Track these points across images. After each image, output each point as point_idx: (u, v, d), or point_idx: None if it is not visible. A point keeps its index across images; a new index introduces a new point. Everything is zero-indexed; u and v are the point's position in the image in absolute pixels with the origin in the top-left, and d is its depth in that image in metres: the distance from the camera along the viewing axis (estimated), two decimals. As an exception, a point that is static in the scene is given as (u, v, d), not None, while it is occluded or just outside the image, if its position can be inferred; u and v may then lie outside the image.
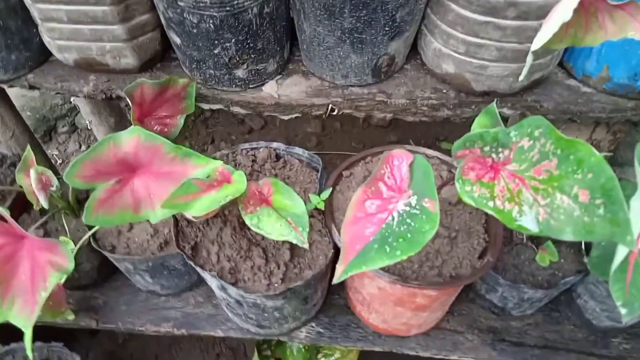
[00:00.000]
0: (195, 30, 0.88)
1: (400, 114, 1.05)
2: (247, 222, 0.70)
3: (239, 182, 0.68)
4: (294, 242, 0.69)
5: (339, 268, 0.59)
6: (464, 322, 1.01)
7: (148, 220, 0.97)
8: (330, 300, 1.04)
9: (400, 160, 0.67)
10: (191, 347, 1.54)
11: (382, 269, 0.79)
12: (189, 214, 0.68)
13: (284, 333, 0.97)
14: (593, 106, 0.99)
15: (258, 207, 0.72)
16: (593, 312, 0.94)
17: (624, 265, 0.48)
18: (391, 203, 0.65)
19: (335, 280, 0.59)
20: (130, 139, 0.69)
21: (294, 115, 1.07)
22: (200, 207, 0.68)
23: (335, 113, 1.04)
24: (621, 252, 0.47)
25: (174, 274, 0.97)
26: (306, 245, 0.69)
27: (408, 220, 0.61)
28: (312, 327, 1.00)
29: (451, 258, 0.83)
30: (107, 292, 1.07)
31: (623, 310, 0.49)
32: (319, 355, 1.14)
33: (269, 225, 0.70)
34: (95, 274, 1.05)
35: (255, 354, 1.14)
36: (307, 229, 0.70)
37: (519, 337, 0.99)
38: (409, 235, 0.59)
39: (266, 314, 0.86)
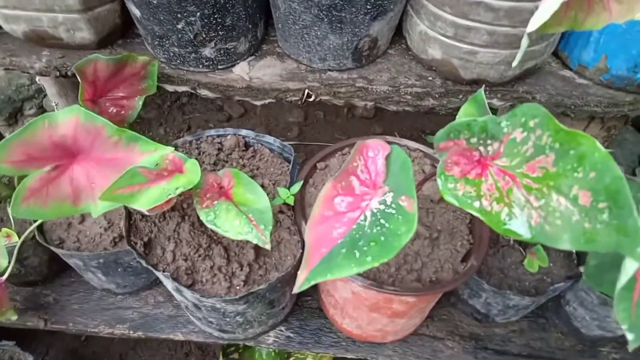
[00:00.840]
0: (155, 2, 0.79)
1: (382, 102, 0.97)
2: (203, 218, 0.62)
3: (192, 172, 0.60)
4: (255, 241, 0.61)
5: (301, 275, 0.51)
6: (445, 328, 0.94)
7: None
8: (302, 303, 0.97)
9: (375, 151, 0.59)
10: (158, 345, 1.46)
11: (368, 268, 0.71)
12: (136, 207, 0.59)
13: (250, 338, 0.90)
14: (588, 99, 0.92)
15: (216, 201, 0.64)
16: (582, 321, 0.87)
17: (631, 282, 0.41)
18: (364, 200, 0.57)
19: (295, 290, 0.51)
20: (68, 120, 0.60)
21: (267, 101, 0.98)
22: (147, 200, 0.59)
23: (312, 99, 0.96)
24: (629, 267, 0.40)
25: (130, 272, 0.88)
26: (268, 246, 0.61)
27: (382, 221, 0.53)
28: (281, 331, 0.92)
29: (432, 261, 0.75)
30: (58, 289, 0.98)
31: (630, 336, 0.42)
32: (291, 359, 1.06)
33: (227, 222, 0.61)
34: (45, 269, 0.96)
35: (221, 358, 1.06)
36: (270, 227, 0.62)
37: (502, 344, 0.93)
38: (382, 238, 0.51)
39: (227, 319, 0.78)
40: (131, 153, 0.60)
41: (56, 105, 1.60)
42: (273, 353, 1.05)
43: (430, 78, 0.94)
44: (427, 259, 0.75)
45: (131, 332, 0.92)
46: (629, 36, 0.81)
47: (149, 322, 0.93)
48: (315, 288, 0.98)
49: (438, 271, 0.74)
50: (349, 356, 0.91)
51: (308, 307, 0.96)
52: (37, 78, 1.77)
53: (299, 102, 0.97)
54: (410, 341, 0.92)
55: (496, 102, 0.94)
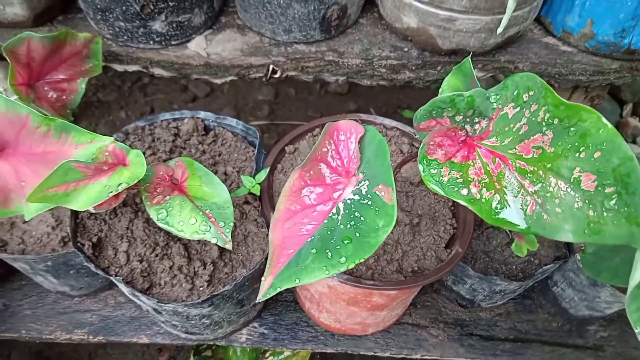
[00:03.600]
0: (92, -31, 0.69)
1: (354, 76, 0.89)
2: (153, 216, 0.54)
3: (136, 165, 0.52)
4: (214, 241, 0.54)
5: (265, 282, 0.45)
6: (428, 316, 0.89)
7: (51, 209, 0.80)
8: (276, 296, 0.90)
9: (347, 134, 0.51)
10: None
11: (349, 268, 0.64)
12: (74, 208, 0.51)
13: (220, 337, 0.83)
14: (573, 67, 0.86)
15: (168, 196, 0.56)
16: (570, 301, 0.83)
17: None
18: (336, 191, 0.50)
19: (259, 299, 0.44)
20: (-13, 109, 0.51)
21: (228, 79, 0.89)
22: (86, 199, 0.51)
23: (277, 76, 0.88)
24: (645, 262, 0.34)
25: (84, 273, 0.80)
26: (229, 246, 0.54)
27: (357, 214, 0.46)
28: (254, 327, 0.86)
29: (413, 249, 0.69)
30: (7, 293, 0.89)
31: (643, 339, 0.37)
32: (267, 354, 1.00)
33: (181, 221, 0.54)
34: (-9, 273, 0.87)
35: (192, 357, 0.99)
36: (232, 224, 0.55)
37: (488, 329, 0.88)
38: (357, 234, 0.45)
39: (192, 322, 0.71)
40: (64, 145, 0.52)
41: (4, 91, 1.47)
42: (248, 348, 0.98)
43: (405, 49, 0.86)
44: (408, 247, 0.69)
45: (91, 337, 0.85)
46: (616, -2, 0.75)
47: (110, 325, 0.85)
48: (289, 280, 0.92)
49: (420, 259, 0.69)
50: (328, 351, 0.85)
51: (283, 300, 0.90)
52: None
53: (264, 79, 0.89)
54: (392, 331, 0.87)
55: (477, 73, 0.88)
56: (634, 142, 1.64)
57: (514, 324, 0.89)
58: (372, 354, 0.85)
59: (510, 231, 0.79)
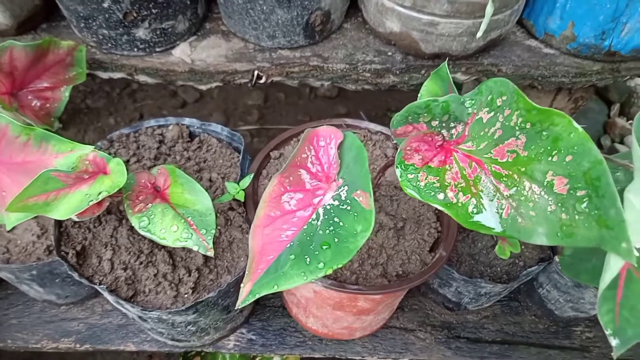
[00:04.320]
0: (73, -23, 0.69)
1: (339, 81, 0.90)
2: (135, 224, 0.54)
3: (117, 174, 0.52)
4: (195, 249, 0.54)
5: (244, 288, 0.45)
6: (416, 319, 0.89)
7: (36, 217, 0.80)
8: (264, 302, 0.90)
9: (327, 140, 0.52)
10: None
11: (327, 274, 0.65)
12: (54, 217, 0.51)
13: (208, 344, 0.83)
14: (556, 69, 0.87)
15: (150, 204, 0.56)
16: (556, 303, 0.84)
17: (613, 280, 0.35)
18: (316, 196, 0.50)
19: (238, 305, 0.44)
20: (-34, 119, 0.51)
21: (213, 85, 0.90)
22: (67, 208, 0.51)
23: (262, 81, 0.88)
24: (614, 265, 0.34)
25: (69, 282, 0.80)
26: (210, 253, 0.54)
27: (336, 219, 0.47)
28: (242, 334, 0.86)
29: (397, 253, 0.69)
30: (-7, 303, 0.89)
31: (614, 342, 0.37)
32: (257, 359, 1.00)
33: (163, 228, 0.54)
34: (-25, 283, 0.87)
35: (180, 364, 0.99)
36: (213, 232, 0.55)
37: (475, 332, 0.89)
38: (335, 239, 0.45)
39: (178, 329, 0.71)
40: (44, 155, 0.52)
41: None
42: (237, 355, 0.98)
43: (389, 53, 0.87)
44: (393, 251, 0.70)
45: (77, 345, 0.84)
46: (595, 1, 0.76)
47: (97, 333, 0.85)
48: (277, 285, 0.92)
49: (405, 263, 0.69)
50: (316, 355, 0.85)
51: (271, 305, 0.90)
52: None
53: (249, 85, 0.89)
54: (380, 335, 0.87)
55: (460, 77, 0.89)
56: (621, 142, 1.66)
57: (501, 326, 0.90)
58: (360, 358, 0.85)
59: (494, 233, 0.79)
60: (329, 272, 0.43)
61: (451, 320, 0.90)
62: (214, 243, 0.57)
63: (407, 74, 0.88)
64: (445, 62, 0.55)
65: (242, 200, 0.68)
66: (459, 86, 0.81)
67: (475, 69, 0.87)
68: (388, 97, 1.85)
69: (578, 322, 0.91)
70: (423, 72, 0.87)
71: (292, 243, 0.46)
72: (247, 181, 0.68)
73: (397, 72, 0.87)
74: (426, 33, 0.79)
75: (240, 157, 0.75)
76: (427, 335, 0.88)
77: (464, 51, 0.83)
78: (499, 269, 0.79)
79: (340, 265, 0.43)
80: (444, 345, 0.87)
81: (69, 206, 0.51)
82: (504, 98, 0.41)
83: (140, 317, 0.68)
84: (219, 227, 0.69)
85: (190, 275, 0.66)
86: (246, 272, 0.45)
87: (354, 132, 0.83)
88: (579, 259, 0.52)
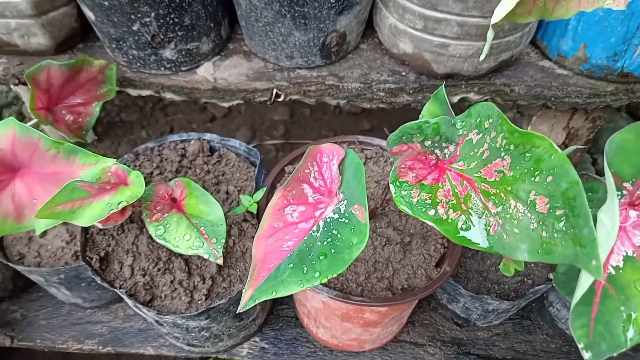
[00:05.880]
0: (107, 3, 0.75)
1: (354, 99, 0.93)
2: (152, 233, 0.59)
3: (136, 185, 0.56)
4: (206, 256, 0.58)
5: (246, 294, 0.48)
6: (426, 334, 0.91)
7: (66, 224, 0.86)
8: (278, 312, 0.93)
9: (330, 156, 0.55)
10: (142, 355, 1.42)
11: (315, 285, 0.67)
12: (79, 224, 0.55)
13: (222, 351, 0.86)
14: (569, 90, 0.88)
15: (166, 213, 0.60)
16: (567, 322, 0.83)
17: (589, 295, 0.37)
18: (318, 209, 0.53)
19: (240, 309, 0.47)
20: (5, 133, 0.56)
21: (235, 102, 0.94)
22: (90, 216, 0.56)
23: (281, 99, 0.92)
24: (585, 281, 0.36)
25: (94, 286, 0.85)
26: (220, 261, 0.58)
27: (334, 232, 0.50)
28: (255, 342, 0.89)
29: (404, 267, 0.71)
30: (25, 304, 0.95)
31: (586, 355, 0.39)
32: (271, 368, 1.03)
33: (177, 237, 0.58)
34: (10, 284, 0.93)
35: (197, 369, 1.03)
36: (223, 241, 0.59)
37: (485, 349, 0.89)
38: (332, 250, 0.48)
39: (192, 334, 0.75)
40: (71, 166, 0.57)
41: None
42: (252, 362, 1.01)
43: (403, 73, 0.90)
44: (399, 265, 0.72)
45: (100, 347, 0.89)
46: (606, 23, 0.77)
47: (119, 336, 0.90)
48: (290, 297, 0.95)
49: (410, 278, 0.71)
50: (327, 366, 0.88)
51: (284, 316, 0.93)
52: (11, 85, 1.74)
53: (268, 103, 0.94)
54: (390, 348, 0.89)
55: (473, 97, 0.91)
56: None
57: (512, 344, 0.90)
58: (369, 370, 0.87)
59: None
60: (324, 280, 0.46)
61: (462, 336, 0.90)
62: (224, 252, 0.61)
63: (421, 94, 0.90)
64: (443, 85, 0.58)
65: (255, 212, 0.72)
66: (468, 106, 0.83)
67: (488, 89, 0.89)
68: (413, 114, 1.86)
69: (592, 344, 0.90)
70: (432, 95, 0.89)
71: (292, 253, 0.49)
72: (260, 194, 0.72)
73: (411, 91, 0.90)
74: (438, 54, 0.82)
75: (256, 171, 0.79)
76: (437, 350, 0.89)
77: (476, 72, 0.85)
78: (506, 287, 0.79)
79: (335, 275, 0.46)
80: (453, 360, 0.87)
81: (92, 214, 0.56)
82: (491, 121, 0.44)
83: (157, 322, 0.72)
84: (232, 238, 0.72)
85: (204, 282, 0.70)
86: (248, 279, 0.48)
87: (366, 149, 0.87)
88: (572, 276, 0.52)
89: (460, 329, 0.90)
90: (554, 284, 0.56)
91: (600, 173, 1.03)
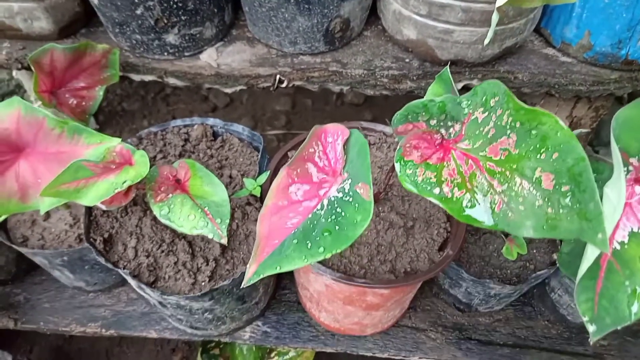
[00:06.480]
0: (110, -14, 0.75)
1: (357, 86, 0.93)
2: (156, 213, 0.59)
3: (140, 165, 0.56)
4: (210, 236, 0.58)
5: (250, 269, 0.48)
6: (427, 319, 0.91)
7: (69, 207, 0.86)
8: (280, 296, 0.94)
9: (335, 136, 0.55)
10: (144, 340, 1.44)
11: (325, 264, 0.68)
12: (83, 203, 0.56)
13: (224, 334, 0.87)
14: (573, 78, 0.88)
15: (171, 194, 0.60)
16: (568, 308, 0.84)
17: (594, 270, 0.37)
18: (322, 188, 0.53)
19: (244, 284, 0.48)
20: (9, 113, 0.57)
21: (237, 88, 0.94)
22: (95, 195, 0.56)
23: (284, 85, 0.92)
24: (590, 254, 0.36)
25: (98, 269, 0.85)
26: (224, 241, 0.58)
27: (338, 210, 0.50)
28: (258, 326, 0.89)
29: (406, 251, 0.72)
30: (28, 287, 0.95)
31: (591, 328, 0.39)
32: (272, 354, 1.03)
33: (181, 217, 0.58)
34: (13, 267, 0.93)
35: (199, 355, 1.03)
36: (227, 221, 0.59)
37: (486, 334, 0.90)
38: (336, 227, 0.48)
39: (196, 316, 0.75)
40: (76, 146, 0.57)
41: (34, 100, 1.56)
42: (254, 348, 1.02)
43: (407, 60, 0.90)
44: (402, 248, 0.72)
45: (103, 330, 0.90)
46: (611, 10, 0.77)
47: (122, 319, 0.90)
48: (292, 281, 0.95)
49: (413, 261, 0.71)
50: (329, 350, 0.88)
51: (286, 300, 0.93)
52: (14, 72, 1.74)
53: (271, 89, 0.94)
54: (391, 333, 0.89)
55: (476, 83, 0.91)
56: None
57: (513, 330, 0.91)
58: (371, 354, 0.88)
59: (505, 236, 0.80)
60: (328, 255, 0.46)
61: (463, 321, 0.91)
62: (229, 233, 0.61)
63: (424, 80, 0.90)
64: (447, 66, 0.58)
65: (259, 195, 0.72)
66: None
67: (492, 76, 0.89)
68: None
69: (592, 330, 0.91)
70: (436, 76, 0.89)
71: (296, 230, 0.50)
72: (263, 178, 0.72)
73: (414, 78, 0.90)
74: (442, 40, 0.82)
75: (260, 156, 0.79)
76: (438, 335, 0.89)
77: (480, 58, 0.85)
78: (509, 272, 0.80)
79: (339, 251, 0.46)
80: (455, 345, 0.88)
81: (96, 193, 0.56)
82: (497, 99, 0.44)
83: (160, 303, 0.73)
84: (236, 221, 0.73)
85: (207, 264, 0.70)
86: (252, 255, 0.49)
87: (370, 135, 0.87)
88: (576, 256, 0.53)
89: (461, 314, 0.91)
90: (558, 264, 0.56)
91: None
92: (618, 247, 0.39)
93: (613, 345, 0.89)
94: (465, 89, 0.92)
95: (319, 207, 0.51)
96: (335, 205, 0.50)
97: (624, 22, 0.78)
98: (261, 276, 0.47)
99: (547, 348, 0.89)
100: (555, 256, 0.70)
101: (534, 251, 0.82)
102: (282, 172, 0.54)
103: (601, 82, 0.88)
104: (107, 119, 1.80)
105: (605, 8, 0.78)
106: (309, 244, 0.47)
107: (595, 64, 0.87)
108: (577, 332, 0.90)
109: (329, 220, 0.49)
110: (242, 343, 0.89)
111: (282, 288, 0.95)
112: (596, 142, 1.42)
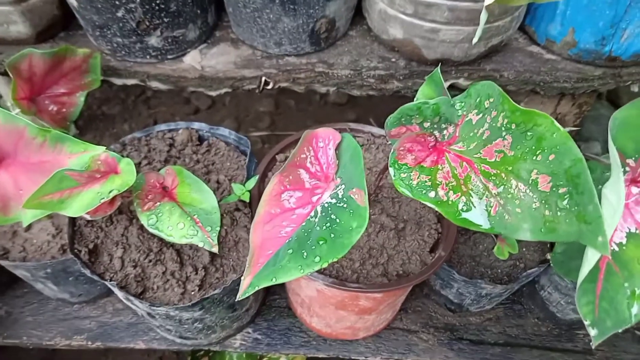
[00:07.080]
0: (89, -12, 0.73)
1: (344, 87, 0.92)
2: (144, 222, 0.57)
3: (127, 173, 0.54)
4: (200, 245, 0.56)
5: (244, 281, 0.47)
6: (419, 320, 0.91)
7: (51, 217, 0.83)
8: (270, 302, 0.92)
9: (326, 141, 0.54)
10: (131, 350, 1.40)
11: (316, 270, 0.67)
12: (68, 214, 0.54)
13: (214, 343, 0.85)
14: (558, 75, 0.88)
15: (158, 202, 0.59)
16: (558, 305, 0.84)
17: (593, 272, 0.37)
18: (315, 195, 0.52)
19: (238, 297, 0.47)
20: (-13, 122, 0.54)
21: (222, 91, 0.93)
22: (80, 206, 0.54)
23: (270, 87, 0.91)
24: (591, 258, 0.36)
25: (82, 280, 0.83)
26: (215, 249, 0.57)
27: (333, 216, 0.49)
28: (248, 333, 0.88)
29: (398, 253, 0.71)
30: (10, 300, 0.92)
31: (592, 332, 0.39)
32: (264, 359, 1.02)
33: (170, 226, 0.57)
34: (-6, 281, 0.90)
35: (189, 363, 1.01)
36: (218, 229, 0.57)
37: (478, 334, 0.90)
38: (331, 235, 0.47)
39: (185, 326, 0.74)
40: (59, 155, 0.55)
41: (11, 106, 1.52)
42: (244, 355, 1.00)
43: (393, 60, 0.89)
44: (394, 251, 0.71)
45: (89, 342, 0.87)
46: (594, 7, 0.78)
47: (108, 331, 0.88)
48: (282, 286, 0.94)
49: (405, 263, 0.71)
50: (321, 355, 0.87)
51: (276, 306, 0.92)
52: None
53: (257, 91, 0.92)
54: (383, 336, 0.89)
55: (463, 82, 0.90)
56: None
57: (504, 329, 0.91)
58: (364, 358, 0.87)
59: (495, 236, 0.80)
60: (325, 265, 0.45)
61: (454, 322, 0.91)
62: (218, 240, 0.59)
63: (411, 80, 0.90)
64: (438, 67, 0.58)
65: (248, 201, 0.71)
66: (461, 91, 0.83)
67: (478, 75, 0.89)
68: (398, 104, 1.86)
69: (581, 325, 0.92)
70: (426, 77, 0.89)
71: (290, 239, 0.48)
72: (252, 182, 0.71)
73: (401, 77, 0.89)
74: (428, 40, 0.81)
75: (247, 160, 0.78)
76: (430, 336, 0.89)
77: (466, 57, 0.84)
78: (499, 271, 0.80)
79: (335, 259, 0.45)
80: (447, 346, 0.88)
81: (81, 204, 0.54)
82: (491, 100, 0.43)
83: (149, 314, 0.71)
84: (225, 227, 0.71)
85: (197, 273, 0.69)
86: (247, 266, 0.47)
87: (358, 136, 0.86)
88: (570, 256, 0.53)
89: (453, 314, 0.91)
90: (551, 264, 0.56)
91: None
92: (616, 249, 0.39)
93: (603, 340, 0.90)
94: (452, 87, 0.92)
95: (312, 214, 0.50)
96: (330, 212, 0.49)
97: (607, 19, 0.78)
98: (256, 288, 0.45)
99: (537, 346, 0.89)
100: (548, 255, 0.71)
101: (524, 249, 0.82)
102: (274, 179, 0.52)
103: (585, 78, 0.89)
104: (86, 124, 1.76)
105: (589, 5, 0.79)
106: (305, 254, 0.46)
107: (580, 61, 0.87)
108: (567, 329, 0.91)
109: (324, 227, 0.48)
110: (233, 351, 0.87)
111: (272, 293, 0.93)
112: (577, 137, 1.44)
